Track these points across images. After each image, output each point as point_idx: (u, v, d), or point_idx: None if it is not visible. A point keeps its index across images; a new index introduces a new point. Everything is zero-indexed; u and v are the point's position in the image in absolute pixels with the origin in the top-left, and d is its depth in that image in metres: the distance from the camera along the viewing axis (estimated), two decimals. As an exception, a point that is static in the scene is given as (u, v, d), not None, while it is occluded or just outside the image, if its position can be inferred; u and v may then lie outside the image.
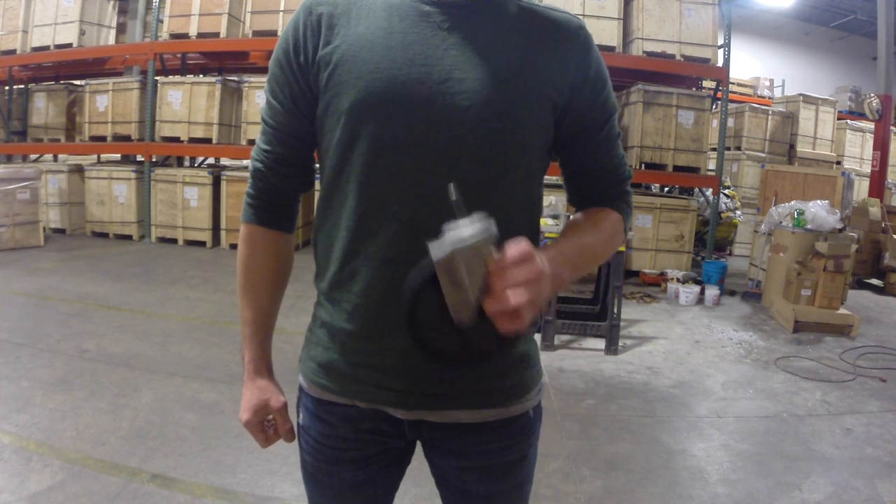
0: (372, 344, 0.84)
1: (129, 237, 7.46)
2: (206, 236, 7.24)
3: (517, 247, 0.63)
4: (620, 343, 4.14)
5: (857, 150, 10.38)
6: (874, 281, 6.95)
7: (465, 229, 0.62)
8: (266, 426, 0.97)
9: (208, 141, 7.38)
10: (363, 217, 0.82)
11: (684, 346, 4.32)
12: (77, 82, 8.56)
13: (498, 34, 0.83)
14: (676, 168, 6.86)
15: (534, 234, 0.89)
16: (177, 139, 7.45)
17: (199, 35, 7.33)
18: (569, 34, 0.86)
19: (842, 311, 4.86)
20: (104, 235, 7.52)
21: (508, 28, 0.83)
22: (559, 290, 0.85)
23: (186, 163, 8.90)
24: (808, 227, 5.26)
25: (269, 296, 0.96)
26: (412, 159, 0.79)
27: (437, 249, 0.62)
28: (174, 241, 7.30)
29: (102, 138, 7.82)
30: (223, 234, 7.21)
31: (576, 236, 0.86)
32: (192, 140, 7.41)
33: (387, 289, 0.80)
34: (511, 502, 0.97)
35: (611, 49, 6.75)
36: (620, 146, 0.96)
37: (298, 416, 0.96)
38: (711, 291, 5.59)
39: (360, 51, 0.80)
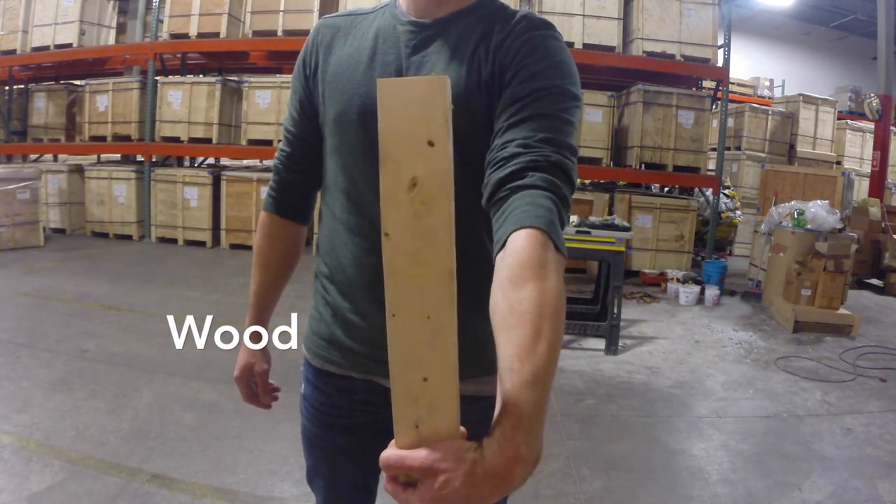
0: (366, 321, 0.95)
1: (129, 237, 7.45)
2: (205, 236, 7.23)
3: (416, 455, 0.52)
4: (620, 343, 4.14)
5: (857, 150, 10.38)
6: (874, 281, 6.95)
7: None
8: (251, 384, 1.13)
9: (208, 141, 7.37)
10: (351, 213, 0.94)
11: (684, 346, 4.32)
12: (77, 82, 8.55)
13: (457, 50, 0.86)
14: (676, 168, 6.87)
15: (485, 259, 0.79)
16: (177, 139, 7.45)
17: (199, 35, 7.32)
18: (506, 26, 0.85)
19: (842, 311, 4.86)
20: (104, 235, 7.51)
21: (469, 42, 0.86)
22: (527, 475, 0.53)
23: (186, 163, 8.88)
24: (808, 227, 5.26)
25: (273, 274, 1.12)
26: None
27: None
28: (174, 241, 7.30)
29: (102, 138, 7.82)
30: (223, 234, 7.20)
31: (508, 356, 0.58)
32: (192, 140, 7.41)
33: (373, 275, 0.89)
34: None
35: (611, 49, 6.75)
36: (564, 130, 0.77)
37: (301, 386, 1.09)
38: (711, 291, 5.58)
39: (347, 69, 0.92)
